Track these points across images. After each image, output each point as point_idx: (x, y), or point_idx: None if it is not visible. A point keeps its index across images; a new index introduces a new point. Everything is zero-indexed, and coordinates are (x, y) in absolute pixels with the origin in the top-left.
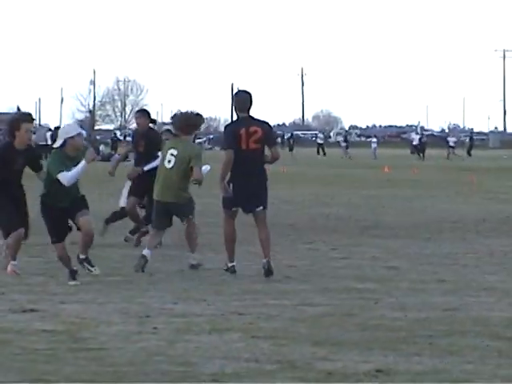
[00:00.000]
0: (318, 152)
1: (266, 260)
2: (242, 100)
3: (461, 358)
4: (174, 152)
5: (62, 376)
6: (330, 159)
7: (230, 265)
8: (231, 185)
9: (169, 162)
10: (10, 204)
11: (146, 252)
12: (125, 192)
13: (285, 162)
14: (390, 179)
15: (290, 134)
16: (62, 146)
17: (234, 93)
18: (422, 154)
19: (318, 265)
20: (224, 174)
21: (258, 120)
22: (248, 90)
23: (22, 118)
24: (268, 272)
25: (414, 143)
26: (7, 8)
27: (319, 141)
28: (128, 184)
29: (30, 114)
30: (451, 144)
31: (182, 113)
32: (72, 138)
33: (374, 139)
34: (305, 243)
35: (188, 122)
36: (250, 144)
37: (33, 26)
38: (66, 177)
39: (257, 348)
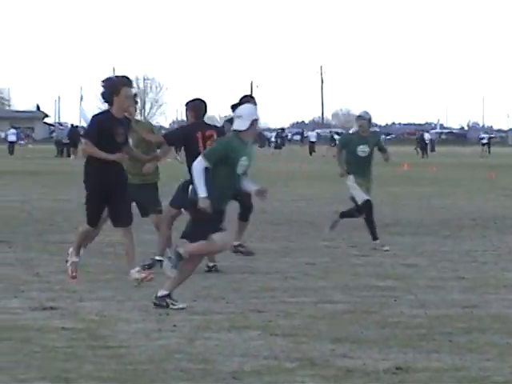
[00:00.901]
0: (311, 152)
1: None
2: (201, 107)
3: (480, 355)
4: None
5: (81, 374)
6: None
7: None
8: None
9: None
10: (101, 195)
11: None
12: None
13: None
14: (409, 176)
15: (276, 133)
16: (248, 128)
17: (189, 100)
18: (424, 152)
19: (337, 262)
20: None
21: (214, 125)
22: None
23: (121, 82)
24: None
25: (426, 141)
26: (27, 7)
27: (312, 139)
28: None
29: (129, 78)
30: (426, 141)
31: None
32: (256, 120)
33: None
34: (324, 240)
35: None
36: (206, 146)
37: (52, 25)
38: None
39: (276, 345)
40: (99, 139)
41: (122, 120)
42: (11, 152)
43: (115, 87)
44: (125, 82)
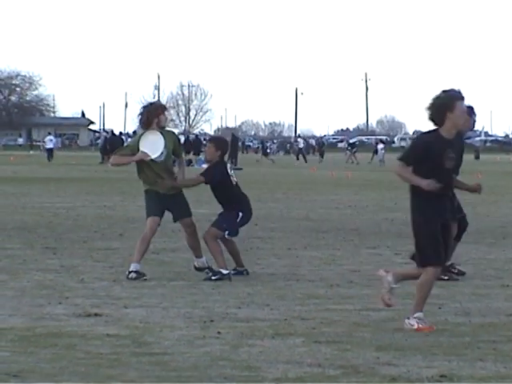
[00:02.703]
0: (298, 157)
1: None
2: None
3: None
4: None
5: (126, 380)
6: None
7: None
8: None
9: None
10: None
11: None
12: None
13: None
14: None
15: (261, 141)
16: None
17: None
18: None
19: None
20: None
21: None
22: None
23: (455, 96)
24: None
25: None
26: (71, 13)
27: (300, 145)
28: None
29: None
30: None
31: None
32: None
33: (381, 145)
34: (368, 248)
35: None
36: None
37: (97, 32)
38: None
39: (320, 353)
40: (422, 163)
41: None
42: (49, 158)
43: (448, 102)
44: (458, 95)
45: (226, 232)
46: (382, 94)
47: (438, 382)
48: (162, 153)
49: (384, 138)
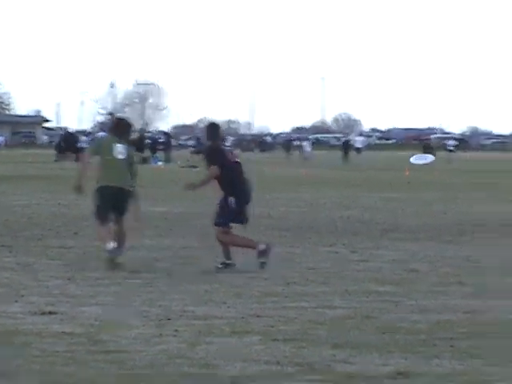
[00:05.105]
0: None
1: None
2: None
3: (481, 360)
4: None
5: (81, 378)
6: (351, 163)
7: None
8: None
9: None
10: None
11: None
12: None
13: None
14: (410, 182)
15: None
16: None
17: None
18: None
19: (337, 267)
20: None
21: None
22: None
23: None
24: None
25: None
26: (27, 12)
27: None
28: None
29: None
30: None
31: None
32: None
33: (305, 142)
34: (325, 246)
35: None
36: None
37: (52, 30)
38: None
39: (277, 350)
40: None
41: None
42: None
43: None
44: None
45: (228, 223)
46: (338, 91)
47: (394, 380)
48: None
49: (340, 135)
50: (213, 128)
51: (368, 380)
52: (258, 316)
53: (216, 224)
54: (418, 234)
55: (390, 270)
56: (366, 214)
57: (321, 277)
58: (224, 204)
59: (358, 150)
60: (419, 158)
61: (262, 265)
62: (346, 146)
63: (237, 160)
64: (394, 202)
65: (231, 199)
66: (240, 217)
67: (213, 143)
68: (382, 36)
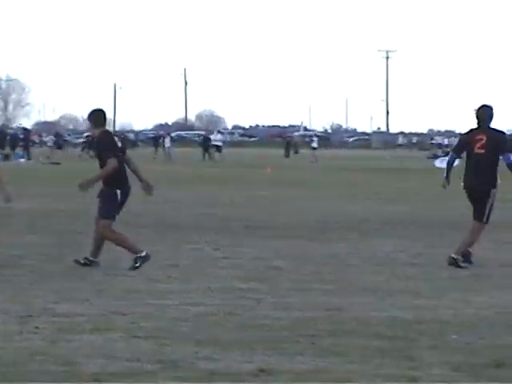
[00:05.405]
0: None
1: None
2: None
3: (343, 357)
4: None
5: None
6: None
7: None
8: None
9: None
10: None
11: None
12: None
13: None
14: (272, 179)
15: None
16: None
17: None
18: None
19: (200, 265)
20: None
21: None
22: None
23: None
24: None
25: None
26: None
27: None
28: None
29: None
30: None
31: None
32: None
33: (167, 138)
34: (187, 243)
35: None
36: None
37: None
38: None
39: (138, 347)
40: None
41: None
42: None
43: None
44: None
45: (114, 216)
46: (201, 88)
47: (256, 377)
48: None
49: (203, 132)
50: (99, 114)
51: (231, 377)
52: (120, 313)
53: (103, 217)
54: (282, 232)
55: (253, 267)
56: (229, 211)
57: (184, 274)
58: (111, 197)
59: (218, 147)
60: (442, 162)
61: (134, 267)
62: (206, 143)
63: (124, 148)
64: (256, 200)
65: (117, 191)
66: (119, 209)
67: (102, 131)
68: (244, 32)
